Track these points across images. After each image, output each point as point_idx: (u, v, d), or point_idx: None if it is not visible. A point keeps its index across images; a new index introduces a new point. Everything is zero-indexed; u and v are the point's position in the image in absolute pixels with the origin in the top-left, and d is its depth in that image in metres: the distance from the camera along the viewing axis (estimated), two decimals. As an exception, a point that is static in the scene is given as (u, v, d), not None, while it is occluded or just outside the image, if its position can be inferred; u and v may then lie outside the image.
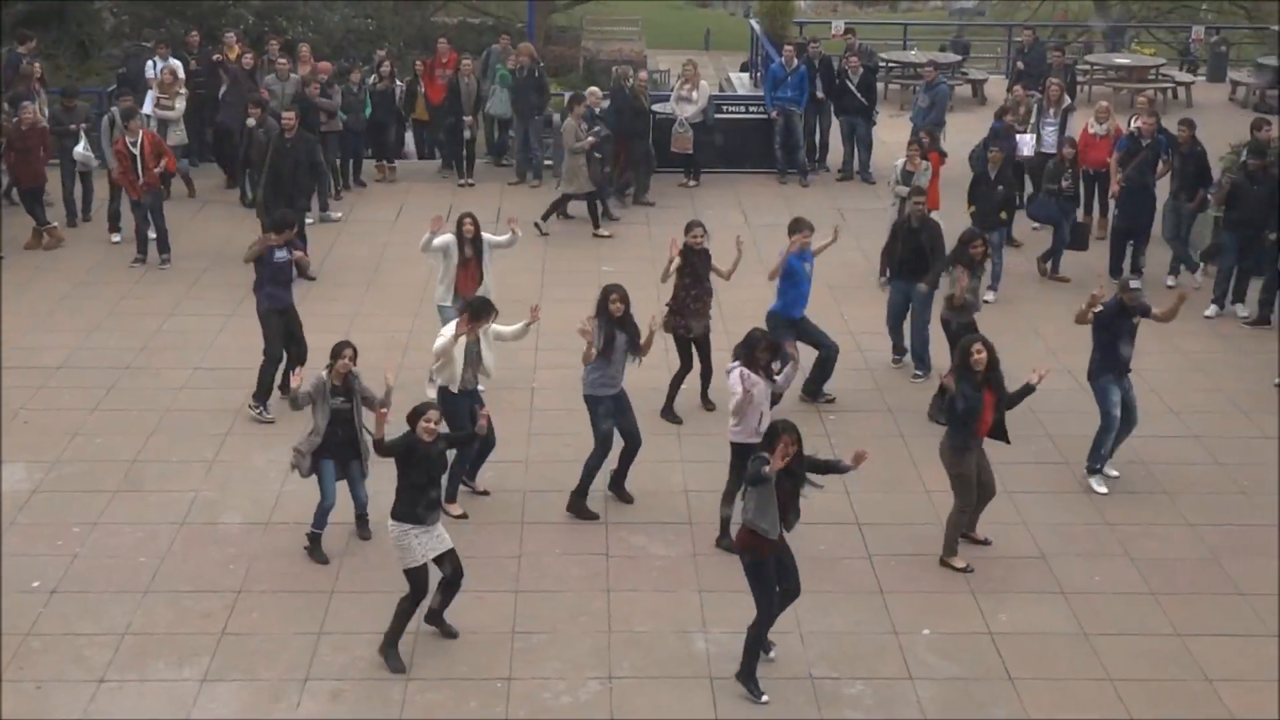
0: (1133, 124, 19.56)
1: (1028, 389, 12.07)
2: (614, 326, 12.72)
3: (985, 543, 12.45)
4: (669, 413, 14.80)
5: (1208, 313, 17.74)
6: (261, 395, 14.69)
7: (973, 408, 11.79)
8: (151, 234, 19.09)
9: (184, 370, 15.87)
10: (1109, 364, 13.36)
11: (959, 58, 31.19)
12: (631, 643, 11.11)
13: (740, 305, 16.94)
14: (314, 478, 12.16)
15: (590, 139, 20.15)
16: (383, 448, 10.59)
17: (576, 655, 10.95)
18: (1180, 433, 14.72)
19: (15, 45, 22.31)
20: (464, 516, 12.67)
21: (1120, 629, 11.36)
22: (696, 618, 11.43)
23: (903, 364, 16.08)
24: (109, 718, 10.21)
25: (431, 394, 12.47)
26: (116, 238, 19.93)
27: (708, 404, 14.96)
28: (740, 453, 11.96)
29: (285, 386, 14.53)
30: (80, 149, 20.07)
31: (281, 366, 14.76)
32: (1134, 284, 13.49)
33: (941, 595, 11.79)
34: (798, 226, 14.75)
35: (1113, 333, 13.29)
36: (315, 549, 12.18)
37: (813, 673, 10.74)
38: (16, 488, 13.29)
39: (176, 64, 22.08)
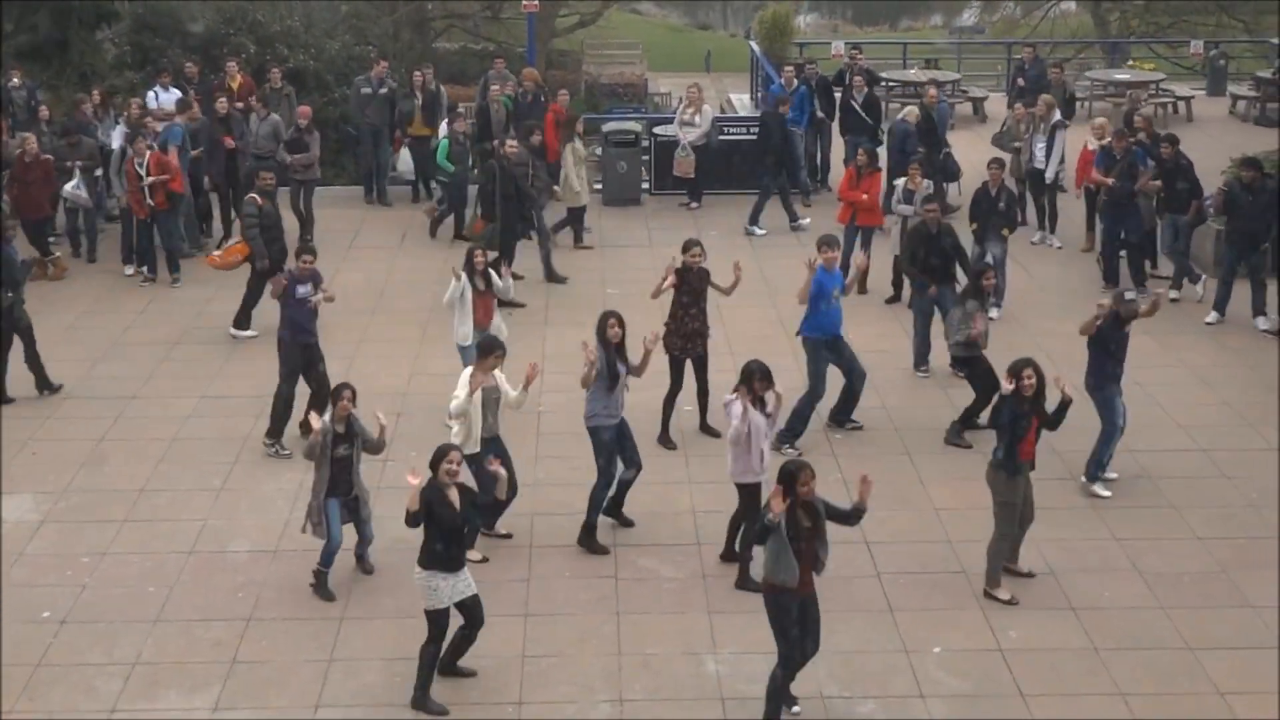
0: (1096, 139, 20.00)
1: (1066, 402, 12.05)
2: (614, 353, 12.69)
3: (1029, 575, 12.29)
4: (664, 438, 14.75)
5: (1208, 319, 17.82)
6: (274, 432, 14.63)
7: (1018, 419, 11.74)
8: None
9: (190, 399, 15.89)
10: (1109, 375, 13.63)
11: (956, 75, 31.27)
12: (642, 665, 11.10)
13: (744, 326, 17.02)
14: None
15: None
16: (410, 518, 10.42)
17: (587, 679, 10.95)
18: (1188, 446, 14.71)
19: (11, 76, 22.43)
20: (484, 560, 12.46)
21: (1131, 643, 11.35)
22: (707, 639, 11.42)
23: (929, 374, 16.23)
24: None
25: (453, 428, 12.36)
26: (129, 270, 19.99)
27: (710, 431, 14.83)
28: (746, 492, 12.01)
29: (304, 425, 14.31)
30: (70, 187, 19.89)
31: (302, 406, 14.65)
32: (1129, 295, 13.83)
33: (951, 612, 11.78)
34: (824, 242, 14.71)
35: (1109, 345, 13.57)
36: (321, 586, 12.10)
37: (824, 692, 10.73)
38: (25, 518, 13.32)
39: (171, 97, 22.13)
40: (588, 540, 12.80)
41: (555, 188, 20.52)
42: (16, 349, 15.83)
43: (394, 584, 12.03)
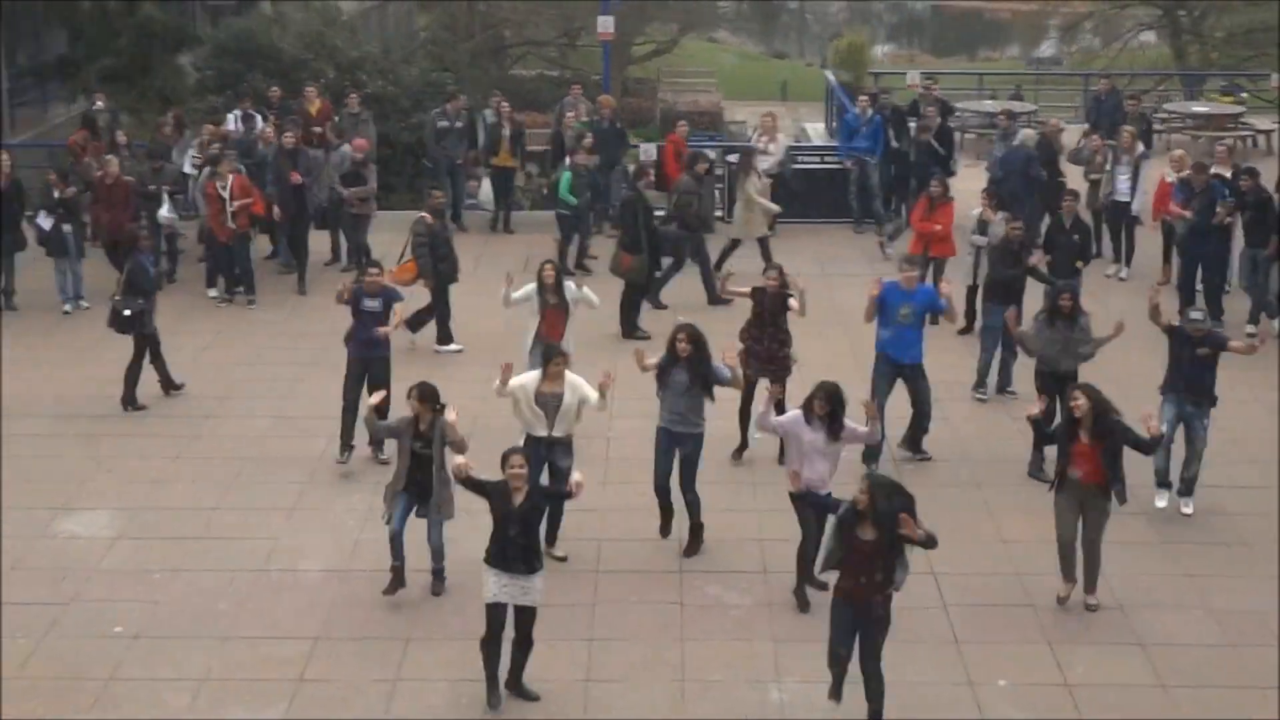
0: (1175, 172, 19.95)
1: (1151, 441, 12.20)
2: (682, 366, 12.85)
3: (1093, 609, 12.23)
4: (743, 444, 15.00)
5: None
6: (344, 446, 14.84)
7: (1055, 435, 12.11)
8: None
9: (265, 419, 16.08)
10: (1170, 383, 13.82)
11: (1033, 107, 31.15)
12: (705, 693, 11.11)
13: (815, 355, 16.99)
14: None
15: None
16: (470, 483, 10.83)
17: (650, 705, 10.96)
18: (1260, 483, 14.55)
19: (96, 100, 22.82)
20: (564, 559, 12.80)
21: (1199, 681, 11.24)
22: (770, 668, 11.41)
23: (987, 399, 16.29)
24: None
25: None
26: (213, 293, 20.24)
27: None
28: (794, 502, 12.06)
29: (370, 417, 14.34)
30: (164, 212, 20.08)
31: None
32: (1194, 314, 13.88)
33: (1017, 646, 11.72)
34: (906, 261, 15.16)
35: (1175, 354, 13.79)
36: (395, 581, 12.27)
37: (887, 723, 10.70)
38: (100, 534, 13.52)
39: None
40: (663, 524, 13.23)
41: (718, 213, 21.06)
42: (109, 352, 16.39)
43: (461, 604, 12.10)
